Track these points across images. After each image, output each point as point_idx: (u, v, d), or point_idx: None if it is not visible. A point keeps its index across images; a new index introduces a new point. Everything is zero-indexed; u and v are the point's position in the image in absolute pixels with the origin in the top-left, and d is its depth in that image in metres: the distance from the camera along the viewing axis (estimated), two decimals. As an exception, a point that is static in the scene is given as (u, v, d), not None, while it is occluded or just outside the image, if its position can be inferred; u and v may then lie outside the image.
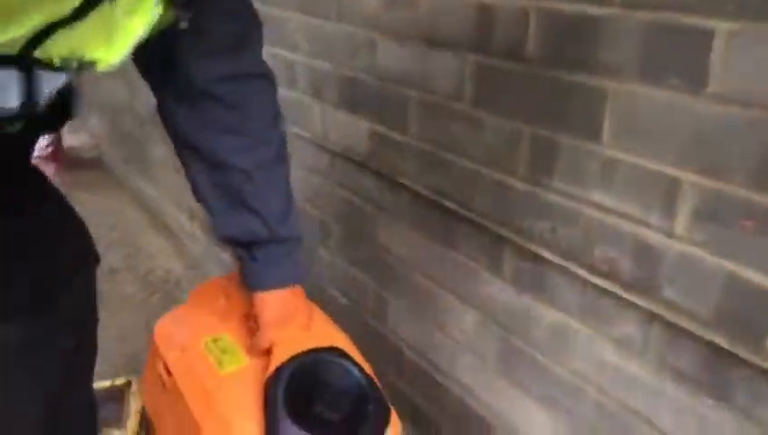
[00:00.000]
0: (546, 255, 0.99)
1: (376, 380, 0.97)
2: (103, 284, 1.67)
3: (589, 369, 0.97)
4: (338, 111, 1.39)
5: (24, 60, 0.77)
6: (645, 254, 0.86)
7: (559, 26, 0.91)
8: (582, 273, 0.94)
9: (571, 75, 0.91)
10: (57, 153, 2.98)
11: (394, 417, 0.96)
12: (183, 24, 0.77)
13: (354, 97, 1.34)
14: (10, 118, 0.83)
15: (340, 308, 1.55)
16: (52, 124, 0.99)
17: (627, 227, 0.88)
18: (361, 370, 0.98)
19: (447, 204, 1.15)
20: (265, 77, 0.97)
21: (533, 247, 1.01)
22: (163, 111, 1.00)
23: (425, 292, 1.27)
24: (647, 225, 0.85)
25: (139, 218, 2.68)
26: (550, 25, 0.92)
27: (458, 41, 1.06)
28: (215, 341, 1.04)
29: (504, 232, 1.05)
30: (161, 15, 0.76)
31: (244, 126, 0.94)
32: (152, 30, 0.77)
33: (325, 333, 1.04)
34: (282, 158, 1.00)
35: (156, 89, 0.98)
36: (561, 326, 1.00)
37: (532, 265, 1.02)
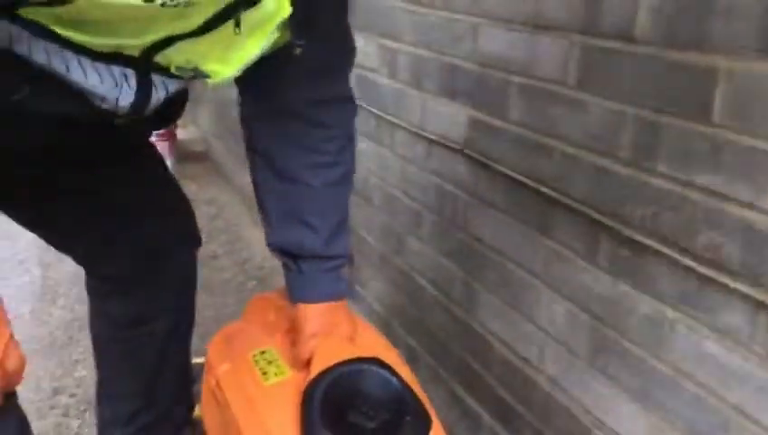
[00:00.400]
0: (646, 241, 0.96)
1: (418, 390, 0.97)
2: (204, 268, 1.76)
3: (687, 361, 0.92)
4: (437, 99, 1.41)
5: (145, 63, 0.83)
6: (754, 239, 0.82)
7: (670, 3, 0.89)
8: (685, 260, 0.90)
9: (681, 54, 0.88)
10: (171, 146, 3.17)
11: (437, 427, 0.95)
12: (297, 50, 0.80)
13: (454, 84, 1.35)
14: (120, 114, 0.89)
15: (427, 298, 1.55)
16: (156, 124, 1.06)
17: (736, 211, 0.84)
18: (401, 380, 0.98)
19: (545, 190, 1.13)
20: (350, 100, 1.01)
21: (633, 234, 0.97)
22: (246, 117, 1.04)
23: (515, 282, 1.25)
24: (758, 209, 0.81)
25: (241, 210, 2.80)
26: (661, 3, 0.90)
27: (565, 23, 1.05)
28: (262, 353, 1.08)
29: (602, 218, 1.03)
30: (277, 39, 0.80)
31: (324, 146, 0.98)
32: (266, 51, 0.81)
33: (368, 344, 1.06)
34: (348, 179, 1.02)
35: (244, 96, 1.02)
36: (659, 317, 0.96)
37: (631, 253, 0.99)
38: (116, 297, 1.23)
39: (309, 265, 1.01)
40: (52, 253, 2.40)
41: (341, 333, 1.03)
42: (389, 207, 1.68)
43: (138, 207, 1.17)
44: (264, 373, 1.05)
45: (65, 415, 1.63)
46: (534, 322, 1.22)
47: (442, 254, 1.48)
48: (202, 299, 1.70)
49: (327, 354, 1.00)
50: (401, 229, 1.64)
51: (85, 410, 1.63)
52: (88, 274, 1.25)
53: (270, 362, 1.06)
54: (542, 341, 1.20)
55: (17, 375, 0.81)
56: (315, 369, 0.98)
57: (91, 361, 1.82)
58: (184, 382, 1.37)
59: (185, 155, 3.32)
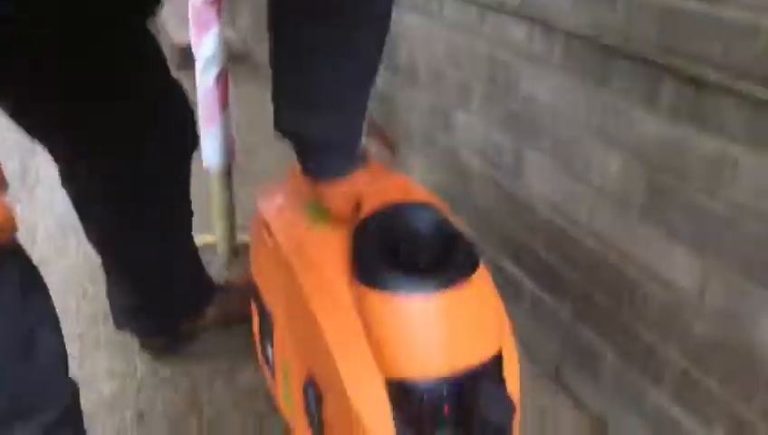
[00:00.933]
0: (714, 77, 0.93)
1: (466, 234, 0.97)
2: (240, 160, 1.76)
3: (750, 198, 0.91)
4: (493, -42, 1.36)
5: None
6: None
7: None
8: (757, 91, 0.87)
9: None
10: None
11: (483, 269, 0.96)
12: None
13: (512, -61, 1.30)
14: None
15: (473, 174, 1.54)
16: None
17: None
18: (450, 221, 0.99)
19: (605, 40, 1.10)
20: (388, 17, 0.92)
21: (699, 71, 0.94)
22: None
23: (568, 142, 1.23)
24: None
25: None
26: None
27: None
28: (311, 204, 1.09)
29: (666, 60, 1.00)
30: None
31: (347, 26, 0.89)
32: None
33: (416, 192, 1.05)
34: (368, 65, 0.95)
35: None
36: (721, 156, 0.94)
37: (695, 92, 0.96)
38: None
39: (316, 152, 0.99)
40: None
41: (388, 184, 1.03)
42: (436, 83, 1.66)
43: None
44: (314, 219, 1.07)
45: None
46: (586, 181, 1.20)
47: (492, 125, 1.46)
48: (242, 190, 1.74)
49: (376, 199, 1.00)
50: (448, 105, 1.62)
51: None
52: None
53: (319, 211, 1.07)
54: (593, 199, 1.19)
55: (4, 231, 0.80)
56: (365, 210, 0.99)
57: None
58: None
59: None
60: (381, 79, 1.95)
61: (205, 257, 1.72)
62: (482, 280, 0.96)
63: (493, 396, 0.91)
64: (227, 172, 1.65)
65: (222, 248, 1.75)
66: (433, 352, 0.90)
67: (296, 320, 1.04)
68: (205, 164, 1.62)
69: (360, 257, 0.95)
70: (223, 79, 1.53)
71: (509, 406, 0.91)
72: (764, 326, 0.92)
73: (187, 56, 1.68)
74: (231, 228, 1.72)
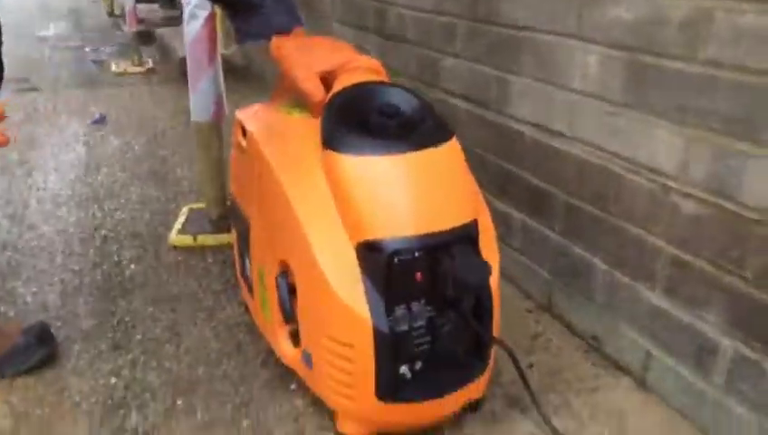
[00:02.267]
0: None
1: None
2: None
3: (727, 52, 0.88)
4: None
5: None
6: None
7: None
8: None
9: None
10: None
11: (455, 142, 0.94)
12: None
13: None
14: None
15: (462, 117, 1.53)
16: None
17: None
18: (423, 97, 0.98)
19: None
20: None
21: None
22: None
23: (547, 52, 1.22)
24: None
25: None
26: None
27: None
28: (285, 104, 1.10)
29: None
30: None
31: None
32: None
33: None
34: None
35: None
36: (696, 13, 0.92)
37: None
38: None
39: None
40: (96, 137, 2.50)
41: (359, 65, 1.03)
42: (424, 34, 1.67)
43: None
44: (289, 112, 1.06)
45: (102, 254, 1.67)
46: (567, 86, 1.19)
47: (475, 61, 1.46)
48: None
49: (347, 80, 0.99)
50: (436, 47, 1.62)
51: (118, 247, 1.67)
52: None
53: (294, 107, 1.06)
54: (574, 103, 1.17)
55: None
56: (336, 90, 0.98)
57: (128, 207, 1.88)
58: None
59: (225, 70, 3.36)
60: (373, 45, 1.97)
61: (195, 222, 1.72)
62: (453, 151, 0.94)
63: (467, 259, 0.87)
64: (217, 129, 1.65)
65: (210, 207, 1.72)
66: (401, 212, 0.88)
67: (269, 208, 1.01)
68: (193, 118, 1.62)
69: (327, 125, 0.93)
70: (210, 25, 1.55)
71: (484, 268, 0.87)
72: (749, 184, 0.89)
73: None
74: (221, 188, 1.70)
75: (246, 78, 3.36)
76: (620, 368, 1.17)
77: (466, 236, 0.89)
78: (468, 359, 0.95)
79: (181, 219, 1.73)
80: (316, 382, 0.97)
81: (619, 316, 1.16)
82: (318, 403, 1.04)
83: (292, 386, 1.11)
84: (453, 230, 0.88)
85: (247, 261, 1.15)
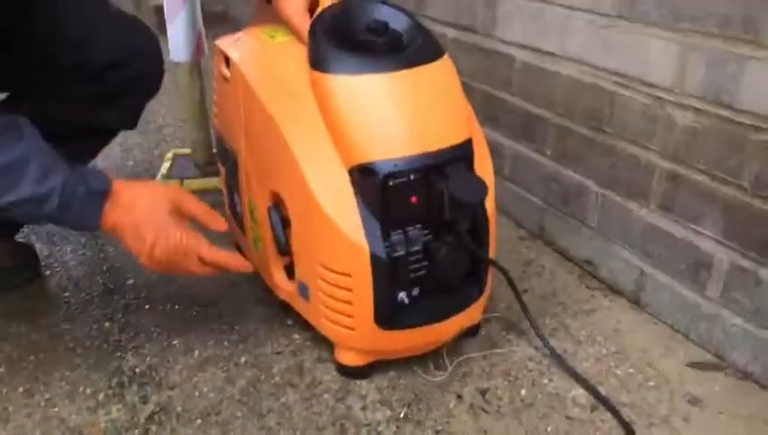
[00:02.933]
0: None
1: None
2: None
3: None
4: None
5: None
6: None
7: None
8: None
9: None
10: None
11: (448, 60, 0.91)
12: None
13: None
14: None
15: (451, 43, 1.49)
16: None
17: None
18: (412, 15, 0.94)
19: None
20: None
21: None
22: None
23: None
24: None
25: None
26: None
27: None
28: (267, 29, 1.05)
29: None
30: None
31: None
32: None
33: None
34: None
35: None
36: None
37: None
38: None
39: None
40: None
41: None
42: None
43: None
44: (272, 37, 1.02)
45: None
46: (556, 2, 1.15)
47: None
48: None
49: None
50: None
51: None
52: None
53: (276, 31, 1.02)
54: (566, 20, 1.14)
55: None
56: (321, 9, 0.95)
57: (110, 156, 1.82)
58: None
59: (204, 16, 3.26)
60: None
61: (180, 167, 1.69)
62: (446, 68, 0.91)
63: (463, 178, 0.86)
64: (197, 69, 1.60)
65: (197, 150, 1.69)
66: (395, 133, 0.85)
67: (257, 138, 0.98)
68: (171, 56, 1.57)
69: (315, 46, 0.89)
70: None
71: (481, 185, 0.86)
72: (747, 89, 0.87)
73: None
74: (205, 131, 1.66)
75: (224, 23, 3.26)
76: (615, 290, 1.17)
77: (462, 155, 0.87)
78: (465, 283, 0.94)
79: (166, 165, 1.69)
80: (313, 314, 0.97)
81: (613, 238, 1.15)
82: (316, 337, 1.03)
83: (289, 322, 1.10)
84: (448, 150, 0.86)
85: (237, 197, 1.12)
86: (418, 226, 0.88)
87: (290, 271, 1.01)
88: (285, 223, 0.96)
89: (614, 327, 1.10)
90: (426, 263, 0.88)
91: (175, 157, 1.74)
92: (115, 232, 0.92)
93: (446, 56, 0.90)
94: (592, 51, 1.11)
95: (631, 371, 1.00)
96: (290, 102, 0.90)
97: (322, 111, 0.87)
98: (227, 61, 1.06)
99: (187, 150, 1.71)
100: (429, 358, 1.00)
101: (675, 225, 1.02)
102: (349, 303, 0.89)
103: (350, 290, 0.88)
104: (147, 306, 1.17)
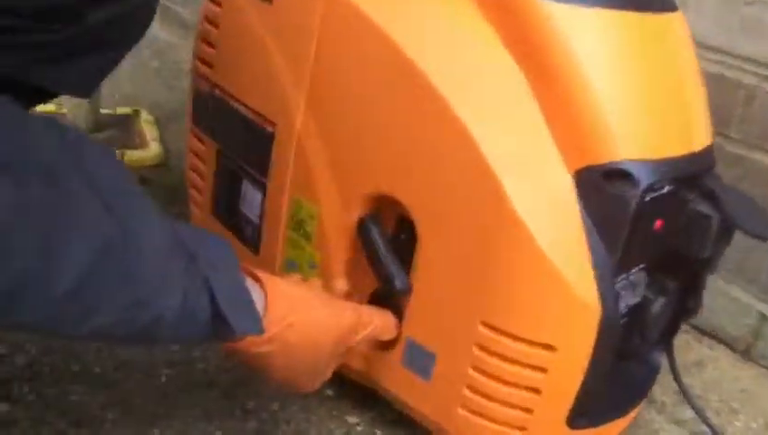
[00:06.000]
0: None
1: None
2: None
3: None
4: None
5: None
6: None
7: None
8: None
9: None
10: None
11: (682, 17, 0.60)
12: None
13: None
14: None
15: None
16: None
17: None
18: None
19: None
20: None
21: None
22: None
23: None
24: None
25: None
26: None
27: None
28: None
29: None
30: None
31: None
32: None
33: None
34: None
35: None
36: None
37: None
38: None
39: None
40: None
41: None
42: None
43: None
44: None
45: None
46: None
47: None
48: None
49: None
50: None
51: None
52: None
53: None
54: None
55: None
56: None
57: None
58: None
59: None
60: None
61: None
62: (685, 27, 0.59)
63: (737, 198, 0.54)
64: None
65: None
66: (651, 119, 0.51)
67: (353, 103, 0.56)
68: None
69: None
70: None
71: (765, 212, 0.55)
72: None
73: None
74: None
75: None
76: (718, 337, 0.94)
77: (712, 164, 0.56)
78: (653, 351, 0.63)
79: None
80: (433, 398, 0.58)
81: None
82: (383, 417, 0.65)
83: (329, 392, 0.70)
84: (706, 152, 0.55)
85: (250, 191, 0.69)
86: (641, 265, 0.55)
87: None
88: (401, 248, 0.57)
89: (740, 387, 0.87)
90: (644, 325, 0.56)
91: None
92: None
93: (680, 14, 0.58)
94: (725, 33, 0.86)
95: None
96: (453, 46, 0.51)
97: (534, 70, 0.50)
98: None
99: (63, 110, 1.16)
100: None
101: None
102: (535, 391, 0.53)
103: (543, 371, 0.52)
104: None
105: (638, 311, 0.56)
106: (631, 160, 0.48)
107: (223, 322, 0.44)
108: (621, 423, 0.61)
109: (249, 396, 0.67)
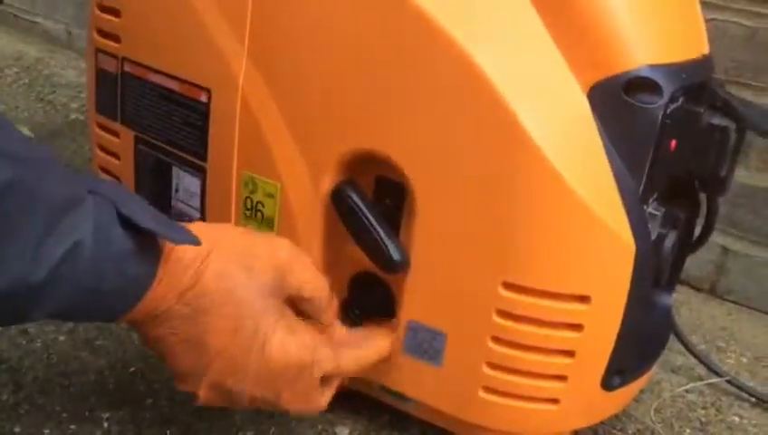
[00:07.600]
0: None
1: None
2: None
3: None
4: None
5: None
6: None
7: None
8: None
9: None
10: None
11: None
12: None
13: None
14: None
15: None
16: None
17: None
18: None
19: None
20: None
21: None
22: None
23: None
24: None
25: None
26: None
27: None
28: None
29: None
30: None
31: None
32: None
33: None
34: None
35: None
36: None
37: None
38: None
39: None
40: None
41: None
42: None
43: None
44: None
45: None
46: None
47: None
48: None
49: None
50: None
51: None
52: None
53: None
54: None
55: None
56: None
57: None
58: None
59: None
60: None
61: None
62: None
63: (752, 105, 0.49)
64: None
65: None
66: (666, 22, 0.45)
67: (319, 47, 0.46)
68: None
69: None
70: None
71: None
72: None
73: None
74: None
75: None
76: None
77: (712, 73, 0.51)
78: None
79: None
80: (443, 387, 0.49)
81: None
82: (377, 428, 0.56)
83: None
84: (708, 60, 0.50)
85: (184, 176, 0.57)
86: (655, 196, 0.49)
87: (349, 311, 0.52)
88: (390, 216, 0.48)
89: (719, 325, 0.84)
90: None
91: None
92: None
93: None
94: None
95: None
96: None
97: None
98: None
99: None
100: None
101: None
102: (569, 354, 0.45)
103: (578, 329, 0.45)
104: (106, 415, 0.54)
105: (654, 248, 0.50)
106: (650, 66, 0.42)
107: (147, 246, 0.37)
108: (646, 378, 0.55)
109: (211, 432, 0.56)
